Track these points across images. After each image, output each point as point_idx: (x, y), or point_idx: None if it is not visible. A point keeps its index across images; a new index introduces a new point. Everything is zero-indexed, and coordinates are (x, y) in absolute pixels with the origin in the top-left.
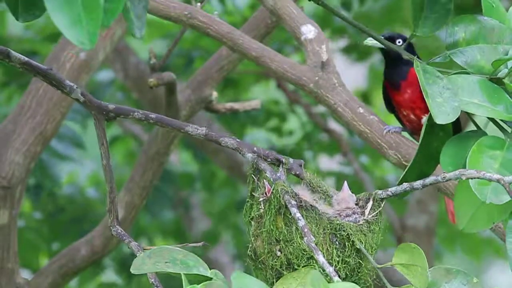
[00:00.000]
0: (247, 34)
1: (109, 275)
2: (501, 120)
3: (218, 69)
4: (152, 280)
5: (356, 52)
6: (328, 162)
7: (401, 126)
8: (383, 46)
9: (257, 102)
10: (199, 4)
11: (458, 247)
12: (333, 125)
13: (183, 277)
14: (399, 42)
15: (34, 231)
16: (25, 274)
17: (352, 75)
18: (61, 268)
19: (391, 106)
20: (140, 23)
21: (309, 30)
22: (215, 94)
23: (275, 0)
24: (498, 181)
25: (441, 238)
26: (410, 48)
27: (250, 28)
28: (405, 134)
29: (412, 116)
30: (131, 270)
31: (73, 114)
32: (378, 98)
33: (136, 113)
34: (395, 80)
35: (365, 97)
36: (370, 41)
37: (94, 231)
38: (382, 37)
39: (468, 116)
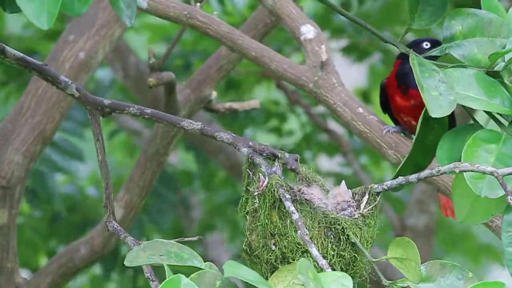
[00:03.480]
0: (246, 34)
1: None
2: (498, 114)
3: (218, 69)
4: (148, 274)
5: (355, 52)
6: (327, 163)
7: (399, 126)
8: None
9: (256, 101)
10: (198, 4)
11: (458, 252)
12: (333, 125)
13: (166, 267)
14: (426, 45)
15: (33, 229)
16: (24, 273)
17: (352, 75)
18: (60, 268)
19: (387, 106)
20: (130, 11)
21: (308, 30)
22: (214, 93)
23: (275, 0)
24: (491, 173)
25: (441, 242)
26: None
27: (249, 28)
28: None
29: (413, 122)
30: (125, 263)
31: (71, 124)
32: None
33: (131, 108)
34: (408, 85)
35: (366, 96)
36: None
37: (94, 230)
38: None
39: (465, 109)
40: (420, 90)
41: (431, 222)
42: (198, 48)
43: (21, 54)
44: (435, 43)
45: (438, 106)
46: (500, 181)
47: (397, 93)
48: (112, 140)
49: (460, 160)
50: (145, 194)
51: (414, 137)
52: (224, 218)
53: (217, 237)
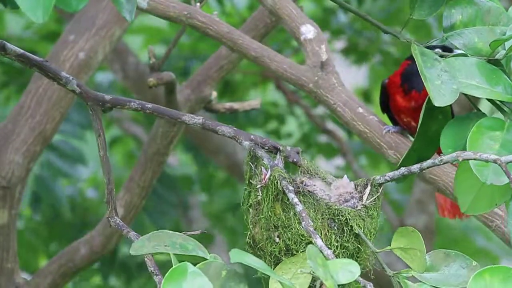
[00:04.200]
0: (246, 34)
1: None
2: (501, 101)
3: (218, 69)
4: (152, 268)
5: (354, 53)
6: (325, 166)
7: (399, 126)
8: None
9: (257, 101)
10: (198, 4)
11: None
12: (332, 127)
13: (172, 256)
14: (438, 51)
15: (33, 232)
16: (24, 276)
17: (352, 75)
18: (60, 268)
19: (387, 107)
20: (130, 5)
21: (308, 30)
22: (214, 94)
23: (275, 0)
24: (494, 161)
25: (438, 246)
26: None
27: (249, 28)
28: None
29: (413, 123)
30: (130, 251)
31: (70, 126)
32: None
33: (132, 103)
34: (412, 85)
35: (366, 96)
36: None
37: (94, 230)
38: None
39: (468, 98)
40: (423, 80)
41: (430, 222)
42: (196, 51)
43: (22, 51)
44: (446, 50)
45: (441, 95)
46: (504, 169)
47: (398, 92)
48: (113, 146)
49: (464, 148)
50: (145, 194)
51: (415, 134)
52: (223, 225)
53: (218, 238)
